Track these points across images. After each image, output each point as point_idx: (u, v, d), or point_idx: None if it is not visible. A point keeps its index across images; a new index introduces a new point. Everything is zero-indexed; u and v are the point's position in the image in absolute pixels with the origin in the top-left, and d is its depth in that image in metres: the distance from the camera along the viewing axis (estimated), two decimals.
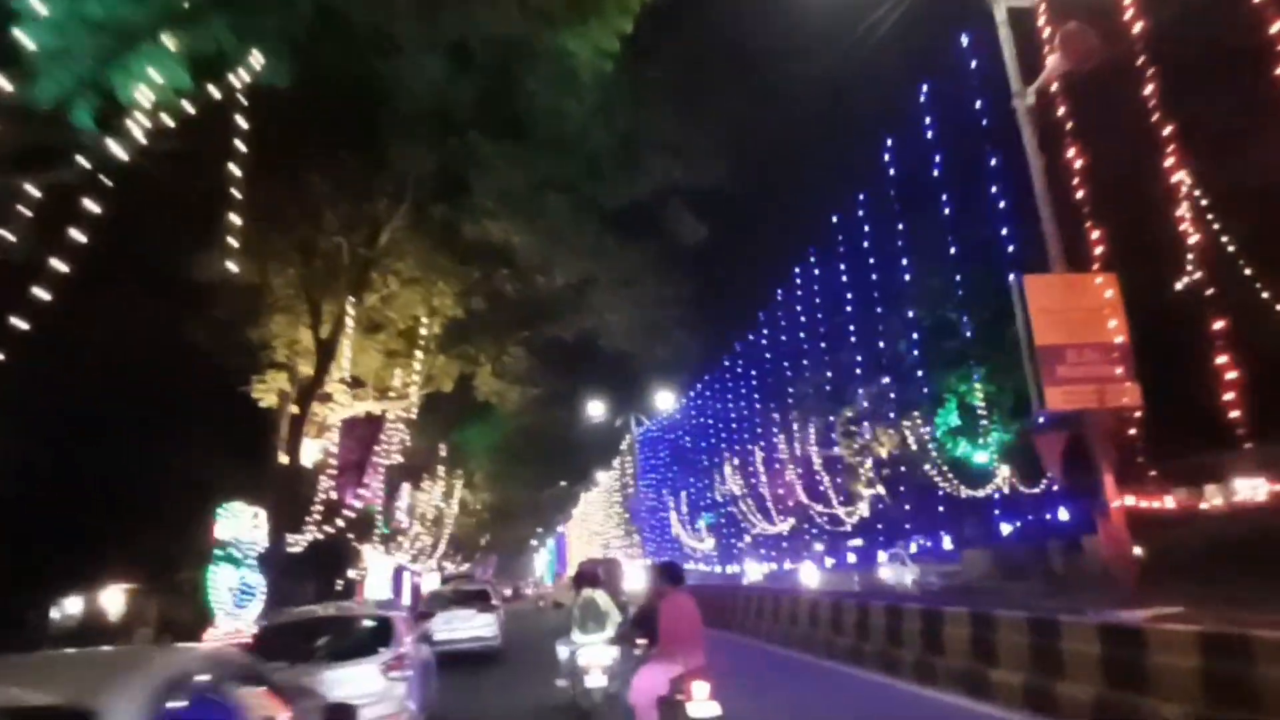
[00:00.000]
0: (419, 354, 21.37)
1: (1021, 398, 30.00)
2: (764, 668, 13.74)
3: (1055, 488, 15.84)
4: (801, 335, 33.95)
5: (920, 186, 28.96)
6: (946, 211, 26.88)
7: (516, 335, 22.77)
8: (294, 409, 20.39)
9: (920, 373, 30.30)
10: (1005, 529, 28.31)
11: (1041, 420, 11.13)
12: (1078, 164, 9.64)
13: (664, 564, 7.71)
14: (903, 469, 37.39)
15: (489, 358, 22.72)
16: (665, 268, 20.60)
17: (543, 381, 23.83)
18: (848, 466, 41.81)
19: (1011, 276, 9.72)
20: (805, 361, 35.32)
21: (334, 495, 23.43)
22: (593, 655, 9.19)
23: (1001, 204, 24.66)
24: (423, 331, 21.26)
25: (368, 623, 9.10)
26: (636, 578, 32.03)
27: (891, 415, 33.13)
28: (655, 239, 19.83)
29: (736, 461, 51.94)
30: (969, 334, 29.23)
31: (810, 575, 41.65)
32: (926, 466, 31.77)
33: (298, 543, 20.63)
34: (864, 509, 40.84)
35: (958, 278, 27.20)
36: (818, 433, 39.52)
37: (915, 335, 30.30)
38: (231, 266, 15.61)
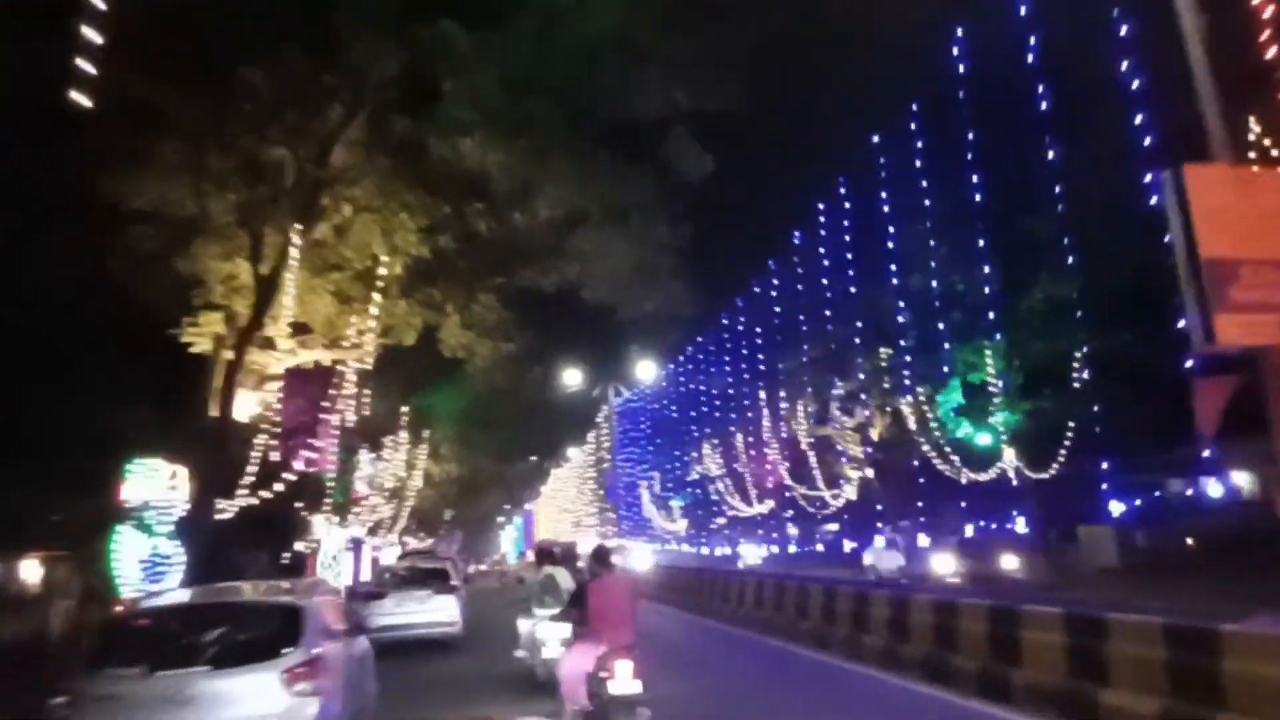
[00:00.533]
0: (376, 297, 18.62)
1: (1033, 375, 28.09)
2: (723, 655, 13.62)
3: (1206, 452, 13.60)
4: (798, 301, 31.62)
5: (941, 133, 26.73)
6: (970, 157, 24.67)
7: (489, 281, 20.09)
8: (229, 356, 17.62)
9: (928, 345, 28.14)
10: (1117, 508, 26.15)
11: (1190, 364, 8.73)
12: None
13: (595, 548, 8.02)
14: (891, 450, 35.37)
15: (457, 306, 20.03)
16: (663, 205, 18.00)
17: (517, 336, 21.15)
18: (834, 448, 39.76)
19: (1166, 172, 7.24)
20: (804, 329, 32.94)
21: (276, 457, 20.66)
22: (550, 629, 9.18)
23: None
24: (382, 272, 18.51)
25: (267, 613, 6.56)
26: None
27: (891, 390, 30.94)
28: (653, 173, 17.19)
29: (716, 440, 49.84)
30: (981, 302, 27.08)
31: (753, 554, 39.99)
32: (926, 447, 29.66)
33: (228, 509, 17.90)
34: (851, 492, 38.87)
35: (980, 242, 24.96)
36: (808, 410, 37.33)
37: (926, 304, 28.10)
38: (160, 190, 13.00)
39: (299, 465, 30.45)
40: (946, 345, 28.48)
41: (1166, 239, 7.31)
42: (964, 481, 29.18)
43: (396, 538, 53.89)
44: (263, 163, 16.75)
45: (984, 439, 29.08)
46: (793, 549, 52.99)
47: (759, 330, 34.86)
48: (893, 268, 29.65)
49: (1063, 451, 26.06)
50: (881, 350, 30.33)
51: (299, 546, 29.61)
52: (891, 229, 29.31)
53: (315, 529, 30.05)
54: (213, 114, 16.11)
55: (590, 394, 37.00)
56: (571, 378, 35.23)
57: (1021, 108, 23.65)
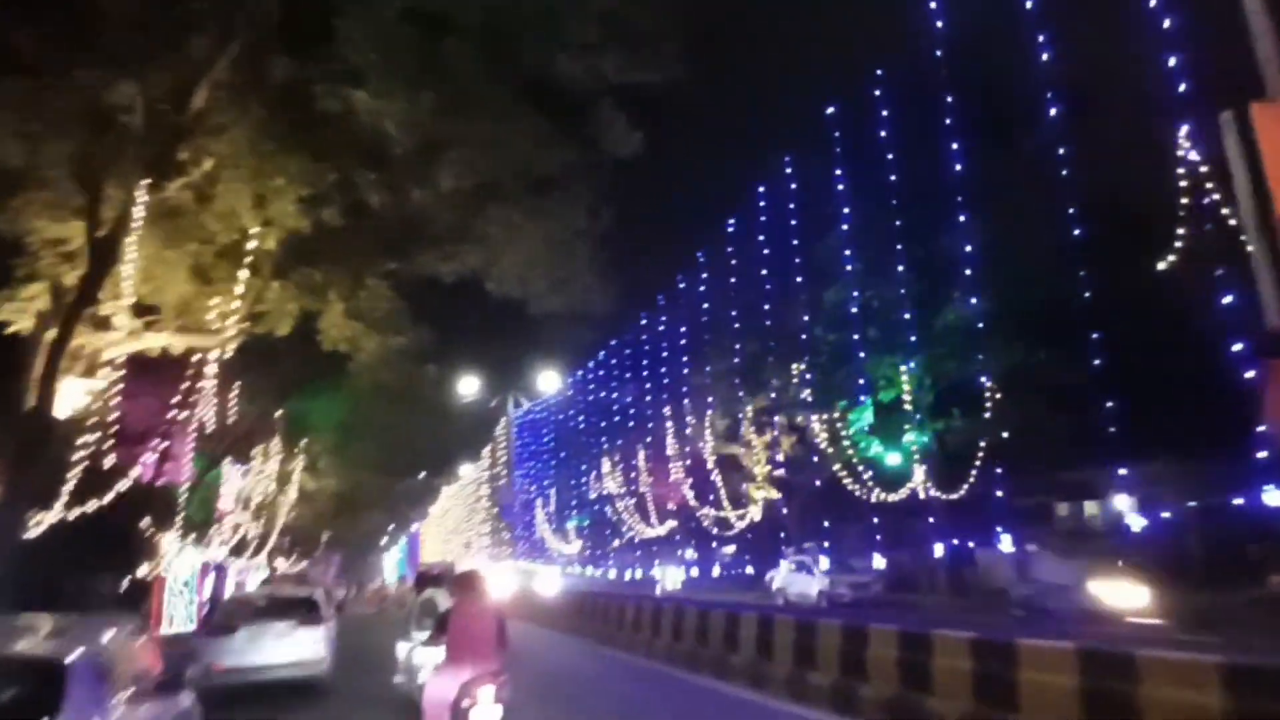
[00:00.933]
0: (243, 274, 15.88)
1: (945, 395, 27.74)
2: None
3: (1264, 453, 12.67)
4: (710, 312, 30.36)
5: (860, 143, 26.20)
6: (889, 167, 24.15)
7: (380, 265, 17.65)
8: (52, 335, 14.50)
9: (843, 361, 27.36)
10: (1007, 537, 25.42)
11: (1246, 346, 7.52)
12: None
13: (458, 574, 7.95)
14: (799, 470, 34.55)
15: (341, 292, 17.47)
16: (585, 183, 16.13)
17: (410, 330, 18.72)
18: (741, 467, 38.68)
19: (1226, 114, 5.97)
20: (714, 341, 31.67)
21: (111, 461, 17.39)
22: (425, 653, 8.74)
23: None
24: (252, 246, 15.81)
25: (15, 671, 4.27)
26: (507, 582, 27.63)
27: (802, 406, 30.00)
28: (576, 146, 15.28)
29: (618, 457, 48.03)
30: (896, 319, 26.56)
31: (672, 578, 38.25)
32: (837, 467, 28.81)
33: (41, 521, 14.68)
34: (756, 513, 37.79)
35: (896, 257, 24.40)
36: (715, 426, 36.06)
37: (841, 318, 27.38)
38: None
39: (147, 475, 26.63)
40: (861, 357, 27.85)
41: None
42: (873, 501, 28.46)
43: (265, 560, 49.18)
44: (108, 104, 13.88)
45: (894, 459, 28.51)
46: (693, 572, 51.58)
47: (667, 341, 33.36)
48: (800, 280, 28.96)
49: (973, 472, 25.70)
50: (794, 365, 29.37)
51: (143, 571, 25.71)
52: (804, 240, 28.70)
53: (164, 550, 26.22)
54: (46, 42, 13.25)
55: (488, 404, 34.45)
56: (468, 386, 32.69)
57: (941, 121, 23.44)
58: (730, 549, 61.74)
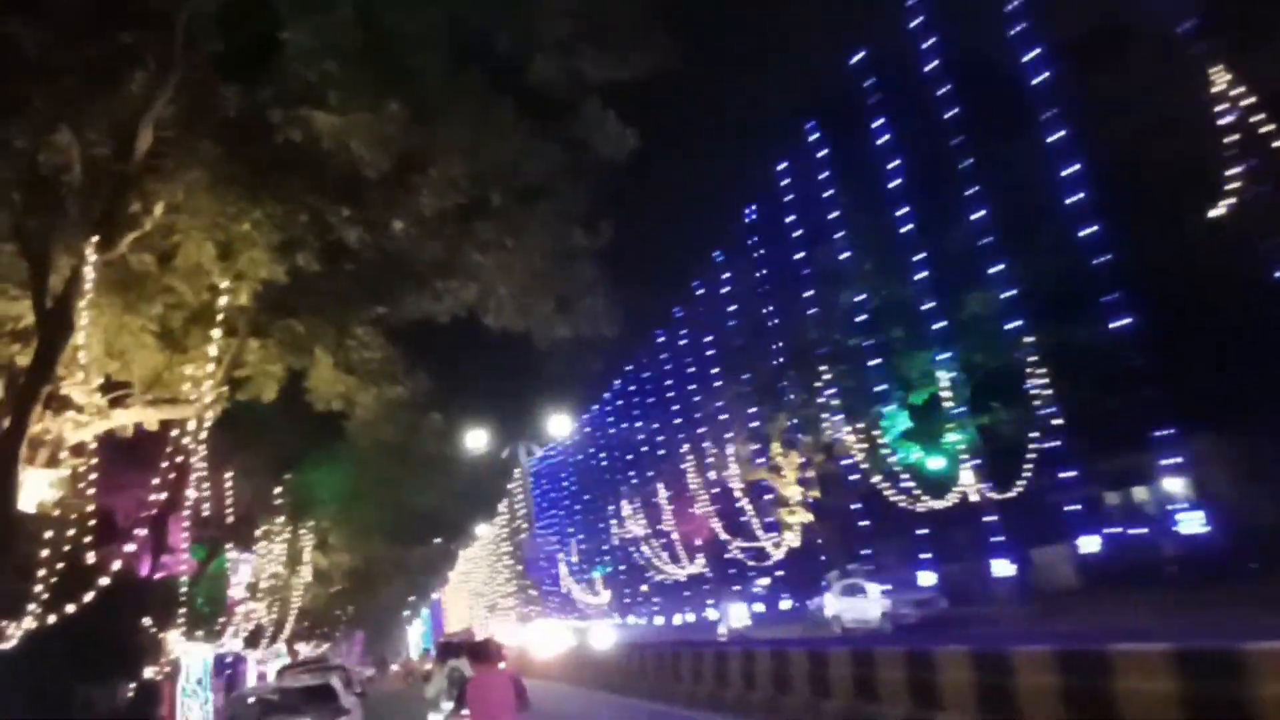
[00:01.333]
0: (215, 333, 14.37)
1: (984, 387, 26.09)
2: None
3: None
4: (723, 330, 28.83)
5: (861, 142, 25.00)
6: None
7: (366, 311, 16.17)
8: (6, 424, 12.96)
9: (867, 366, 25.74)
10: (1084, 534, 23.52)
11: None
12: None
13: (471, 644, 9.10)
14: (833, 487, 32.70)
15: (327, 345, 15.97)
16: (578, 189, 14.68)
17: (407, 378, 17.15)
18: (769, 492, 36.79)
19: None
20: (729, 360, 30.02)
21: (93, 557, 15.66)
22: None
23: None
24: (222, 301, 14.34)
25: None
26: (551, 640, 25.57)
27: (830, 418, 28.28)
28: (565, 147, 13.87)
29: (638, 498, 46.07)
30: (916, 316, 25.01)
31: (737, 615, 35.89)
32: (878, 478, 26.96)
33: (14, 631, 12.96)
34: (793, 539, 35.79)
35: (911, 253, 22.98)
36: (739, 452, 34.27)
37: (860, 321, 25.86)
38: None
39: (143, 570, 24.82)
40: (879, 362, 26.26)
41: None
42: (918, 510, 26.56)
43: (284, 647, 46.96)
44: (44, 163, 12.56)
45: (936, 463, 26.72)
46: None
47: (680, 366, 31.75)
48: (811, 286, 27.54)
49: (1026, 466, 23.93)
50: (818, 374, 27.71)
51: (149, 673, 23.77)
52: (812, 244, 27.35)
53: (170, 648, 24.28)
54: None
55: (499, 456, 32.69)
56: (476, 439, 31.03)
57: (937, 111, 22.35)
58: (764, 581, 59.43)
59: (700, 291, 28.49)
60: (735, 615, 37.31)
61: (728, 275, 26.63)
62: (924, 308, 24.77)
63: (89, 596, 14.39)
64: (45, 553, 14.61)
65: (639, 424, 36.65)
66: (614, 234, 15.97)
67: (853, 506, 32.37)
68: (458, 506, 39.58)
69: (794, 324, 28.23)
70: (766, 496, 36.18)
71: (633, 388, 34.45)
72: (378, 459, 18.98)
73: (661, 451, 39.07)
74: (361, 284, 15.80)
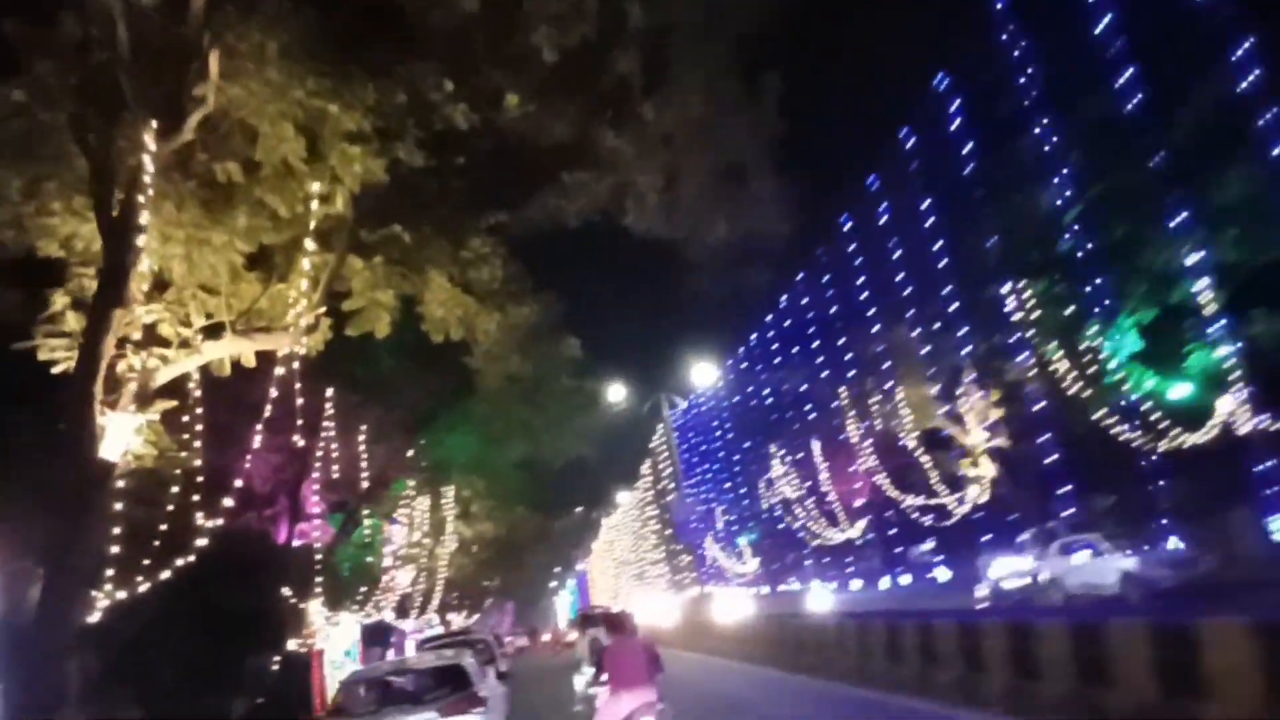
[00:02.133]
0: (309, 243, 11.96)
1: (1252, 287, 20.62)
2: None
3: None
4: (894, 249, 24.50)
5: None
6: None
7: (482, 217, 13.42)
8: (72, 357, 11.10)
9: (1087, 272, 20.84)
10: None
11: None
12: None
13: (607, 615, 9.77)
14: (1032, 428, 27.74)
15: (440, 261, 13.33)
16: (732, 46, 11.19)
17: (534, 300, 14.30)
18: (945, 443, 32.18)
19: None
20: (903, 290, 25.58)
21: (200, 518, 13.84)
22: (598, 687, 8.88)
23: None
24: (315, 206, 11.90)
25: None
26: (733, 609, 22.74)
27: (1032, 342, 23.42)
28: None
29: (791, 453, 42.29)
30: (1148, 211, 19.89)
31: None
32: (1101, 414, 22.02)
33: (103, 603, 11.12)
34: (977, 493, 31.12)
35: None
36: (913, 395, 29.85)
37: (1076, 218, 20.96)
38: None
39: (281, 537, 23.69)
40: (1095, 272, 21.24)
41: None
42: (1161, 450, 21.45)
43: (436, 617, 46.68)
44: (92, 42, 10.41)
45: (1180, 390, 21.51)
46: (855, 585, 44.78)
47: (846, 293, 27.58)
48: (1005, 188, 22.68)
49: None
50: (1020, 291, 22.87)
51: (292, 645, 22.64)
52: (1002, 142, 22.53)
53: (313, 620, 23.04)
54: None
55: (641, 410, 29.88)
56: (615, 394, 28.34)
57: None
58: (927, 546, 54.13)
59: (875, 187, 24.12)
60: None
61: (914, 166, 22.17)
62: (1160, 199, 19.67)
63: (185, 560, 12.42)
64: (143, 512, 12.91)
65: (793, 368, 32.75)
66: (777, 101, 12.42)
67: (1048, 458, 27.43)
68: (600, 459, 37.28)
69: (982, 234, 23.51)
70: (941, 451, 31.67)
71: (787, 322, 30.52)
72: (511, 404, 16.28)
73: (814, 402, 35.02)
74: (475, 182, 13.02)
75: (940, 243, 21.75)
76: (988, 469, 31.26)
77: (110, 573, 11.53)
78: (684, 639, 27.82)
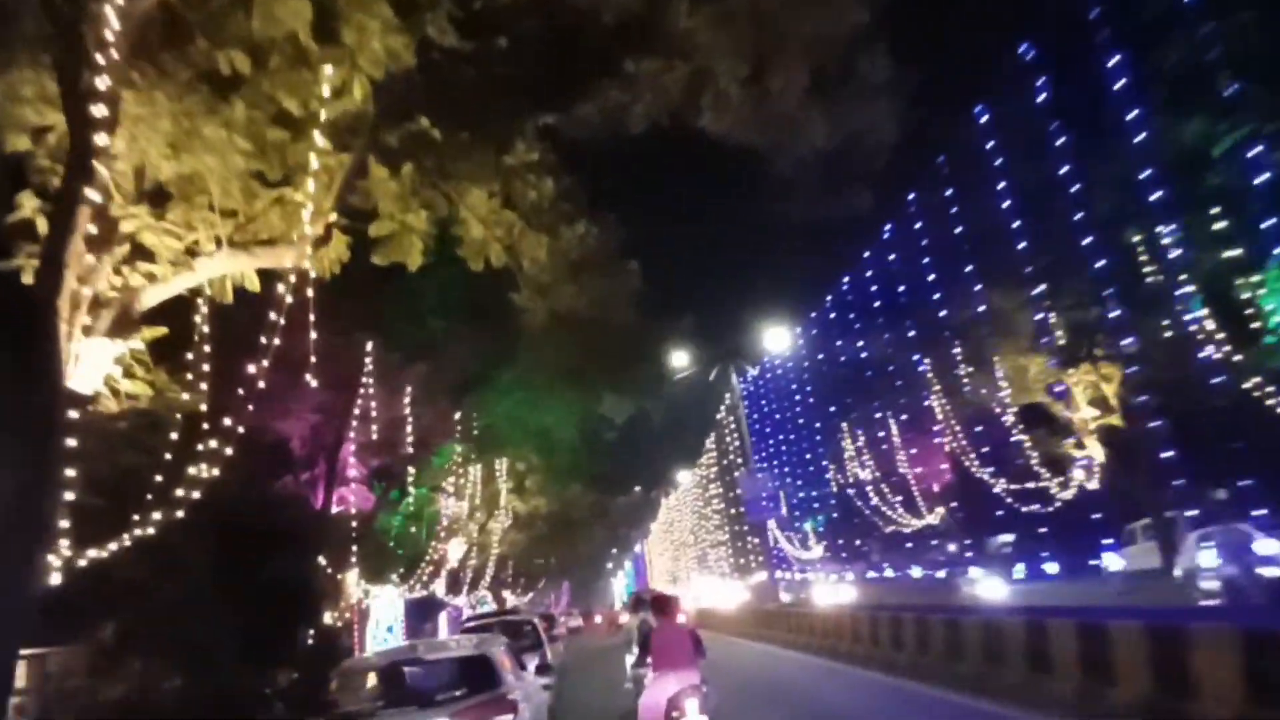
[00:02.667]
0: (318, 138, 9.83)
1: None
2: None
3: None
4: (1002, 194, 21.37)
5: None
6: None
7: (527, 117, 11.12)
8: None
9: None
10: None
11: None
12: None
13: (654, 597, 9.20)
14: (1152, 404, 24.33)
15: (478, 170, 11.12)
16: None
17: (588, 221, 11.97)
18: (1048, 419, 28.86)
19: None
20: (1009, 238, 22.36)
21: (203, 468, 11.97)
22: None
23: None
24: (326, 92, 9.74)
25: None
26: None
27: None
28: None
29: (863, 437, 39.32)
30: None
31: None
32: (1254, 382, 18.64)
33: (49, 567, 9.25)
34: (1084, 478, 27.79)
35: None
36: (1012, 366, 26.68)
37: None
38: None
39: (317, 501, 22.09)
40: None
41: None
42: None
43: (489, 594, 45.31)
44: None
45: None
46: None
47: (937, 247, 24.51)
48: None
49: None
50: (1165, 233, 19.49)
51: (329, 619, 21.08)
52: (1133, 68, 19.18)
53: (349, 592, 21.42)
54: None
55: (707, 378, 27.39)
56: (680, 359, 25.91)
57: None
58: (1006, 538, 50.34)
59: (985, 118, 20.96)
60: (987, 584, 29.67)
61: (1040, 84, 18.96)
62: None
63: (166, 514, 10.51)
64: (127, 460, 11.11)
65: (876, 333, 29.77)
66: None
67: (1173, 435, 23.99)
68: (661, 431, 35.03)
69: (1115, 167, 20.11)
70: (1047, 424, 28.37)
71: (871, 279, 27.54)
72: (561, 348, 13.92)
73: (898, 373, 31.93)
74: (521, 71, 10.71)
75: (1066, 170, 18.48)
76: (1096, 451, 27.95)
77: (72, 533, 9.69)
78: (750, 627, 25.48)
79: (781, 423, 37.26)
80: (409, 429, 22.06)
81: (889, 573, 44.42)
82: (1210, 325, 19.02)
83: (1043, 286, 23.37)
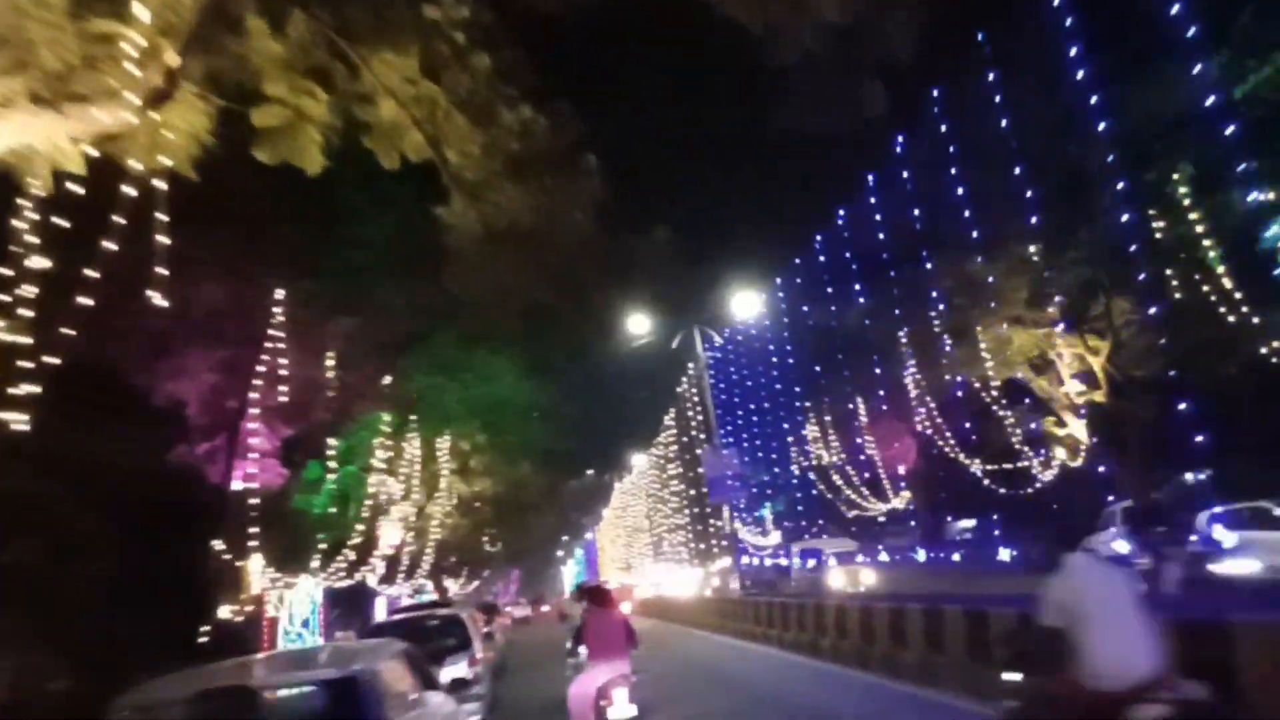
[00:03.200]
0: None
1: None
2: None
3: None
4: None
5: None
6: None
7: None
8: None
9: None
10: None
11: None
12: None
13: (590, 587, 9.01)
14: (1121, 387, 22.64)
15: (387, 26, 8.40)
16: None
17: (535, 107, 9.26)
18: (1029, 395, 27.14)
19: None
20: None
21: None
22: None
23: None
24: None
25: None
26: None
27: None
28: None
29: (829, 415, 37.33)
30: None
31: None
32: (1269, 350, 16.86)
33: None
34: (1066, 456, 26.11)
35: None
36: (991, 337, 24.75)
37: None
38: None
39: (216, 475, 19.01)
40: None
41: None
42: None
43: (428, 583, 42.22)
44: None
45: None
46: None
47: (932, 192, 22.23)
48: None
49: None
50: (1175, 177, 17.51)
51: (226, 613, 18.03)
52: None
53: (250, 581, 18.42)
54: None
55: (668, 346, 24.88)
56: (638, 325, 23.35)
57: None
58: (968, 523, 49.15)
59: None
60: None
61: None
62: None
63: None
64: None
65: (850, 300, 27.61)
66: None
67: (1164, 408, 22.30)
68: (617, 401, 32.51)
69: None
70: (1027, 399, 26.65)
71: (854, 239, 25.27)
72: (504, 275, 11.17)
73: (869, 345, 29.85)
74: None
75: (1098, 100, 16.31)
76: (1078, 429, 26.31)
77: None
78: (713, 618, 23.21)
79: (744, 398, 35.01)
80: (330, 393, 19.14)
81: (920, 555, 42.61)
82: (1228, 284, 17.17)
83: (1036, 246, 21.37)
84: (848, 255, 25.12)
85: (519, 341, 17.12)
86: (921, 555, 44.17)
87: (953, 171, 19.69)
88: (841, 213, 24.13)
